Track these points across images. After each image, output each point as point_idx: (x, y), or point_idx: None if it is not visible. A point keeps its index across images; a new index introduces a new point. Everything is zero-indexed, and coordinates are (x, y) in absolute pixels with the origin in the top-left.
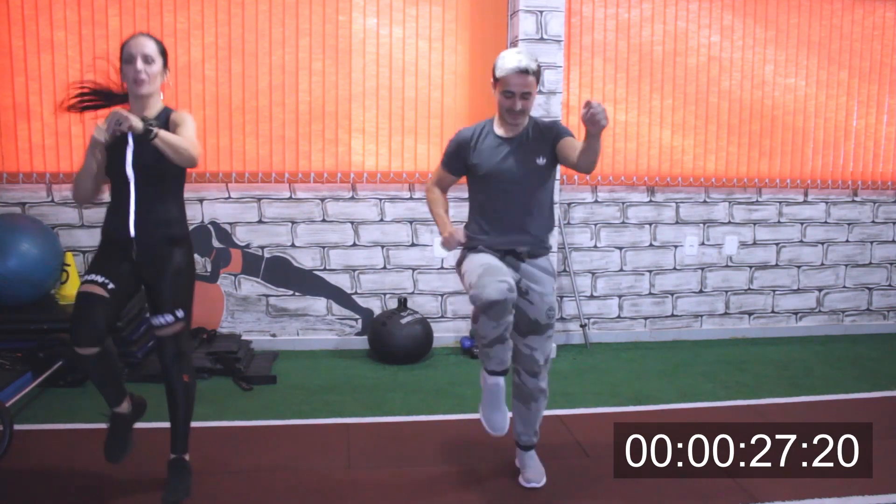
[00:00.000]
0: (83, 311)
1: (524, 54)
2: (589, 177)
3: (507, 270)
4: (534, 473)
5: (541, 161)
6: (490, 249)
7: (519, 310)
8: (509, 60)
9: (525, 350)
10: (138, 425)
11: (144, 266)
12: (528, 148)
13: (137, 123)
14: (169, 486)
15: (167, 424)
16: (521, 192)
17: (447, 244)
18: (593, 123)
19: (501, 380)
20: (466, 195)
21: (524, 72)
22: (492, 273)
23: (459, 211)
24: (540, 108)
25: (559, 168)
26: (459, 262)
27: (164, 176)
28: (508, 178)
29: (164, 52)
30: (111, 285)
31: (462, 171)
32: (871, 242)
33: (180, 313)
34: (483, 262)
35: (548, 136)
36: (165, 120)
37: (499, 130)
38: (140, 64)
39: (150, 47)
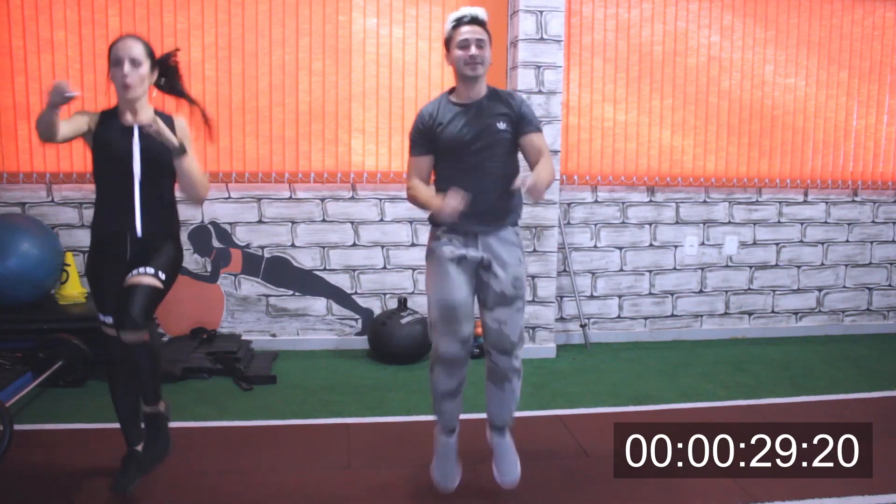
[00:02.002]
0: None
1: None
2: (589, 176)
3: (468, 312)
4: (510, 469)
5: (501, 126)
6: (455, 236)
7: (483, 284)
8: (458, 13)
9: (493, 325)
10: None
11: (138, 258)
12: (486, 113)
13: (173, 140)
14: (146, 445)
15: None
16: (484, 160)
17: (447, 211)
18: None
19: (454, 439)
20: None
21: (474, 20)
22: (450, 320)
23: None
24: (540, 108)
25: (559, 168)
26: (428, 255)
27: (168, 169)
28: (470, 143)
29: (151, 54)
30: None
31: (431, 147)
32: (871, 242)
33: (161, 275)
34: (442, 296)
35: (509, 105)
36: (171, 128)
37: (455, 100)
38: (127, 67)
39: (138, 50)
